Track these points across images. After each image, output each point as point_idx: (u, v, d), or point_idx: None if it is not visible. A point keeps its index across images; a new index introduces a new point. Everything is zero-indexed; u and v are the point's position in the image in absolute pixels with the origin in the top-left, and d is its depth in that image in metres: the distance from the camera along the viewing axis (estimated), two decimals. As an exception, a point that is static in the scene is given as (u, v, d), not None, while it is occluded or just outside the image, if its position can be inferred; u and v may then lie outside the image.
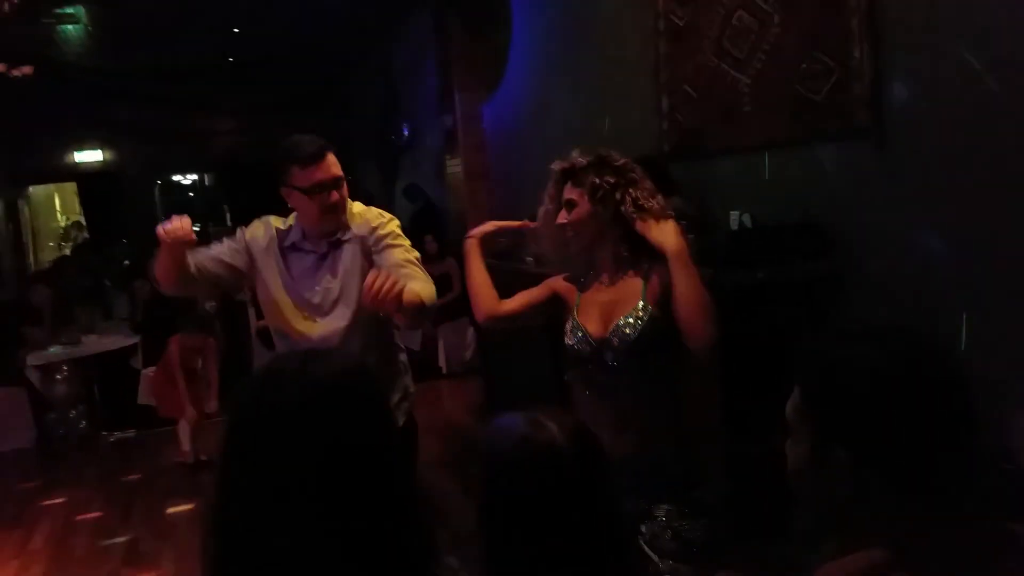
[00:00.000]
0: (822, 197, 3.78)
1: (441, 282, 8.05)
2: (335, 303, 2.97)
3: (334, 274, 2.98)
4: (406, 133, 11.01)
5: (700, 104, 4.59)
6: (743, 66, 4.20)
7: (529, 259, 4.68)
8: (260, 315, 7.94)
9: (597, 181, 2.41)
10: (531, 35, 7.00)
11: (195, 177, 18.25)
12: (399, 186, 11.08)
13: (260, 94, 13.23)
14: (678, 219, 2.39)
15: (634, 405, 2.33)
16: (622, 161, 2.47)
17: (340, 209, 2.92)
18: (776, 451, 1.37)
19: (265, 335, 7.67)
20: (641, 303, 2.34)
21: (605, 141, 5.58)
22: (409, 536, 1.20)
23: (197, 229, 2.83)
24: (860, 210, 3.58)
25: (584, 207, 2.42)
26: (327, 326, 2.95)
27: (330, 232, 2.96)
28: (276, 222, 3.06)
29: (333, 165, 2.88)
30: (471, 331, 7.99)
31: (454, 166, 8.70)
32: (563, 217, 2.46)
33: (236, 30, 10.52)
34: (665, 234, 2.31)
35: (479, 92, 7.90)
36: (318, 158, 2.85)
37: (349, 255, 2.97)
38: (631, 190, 2.39)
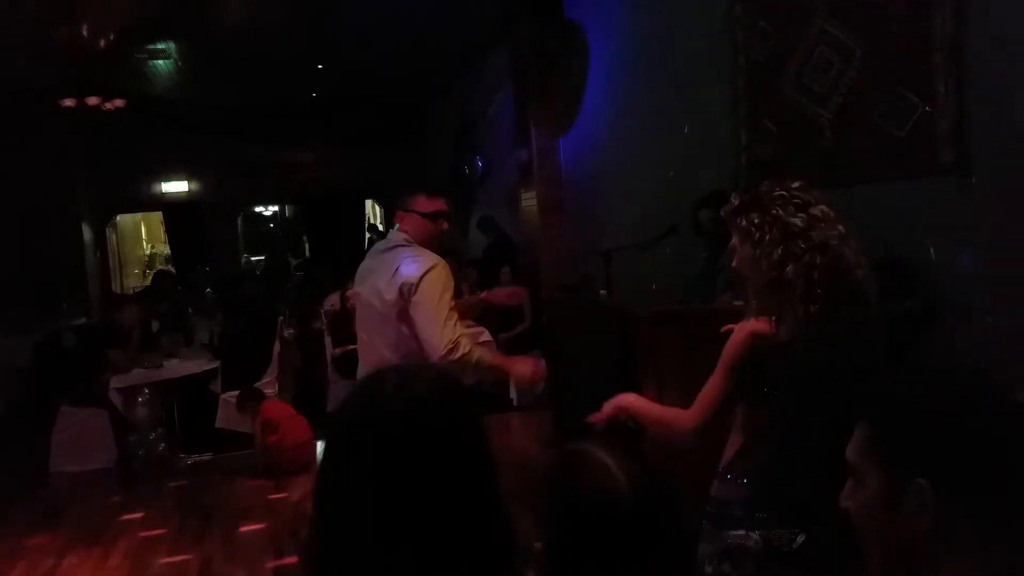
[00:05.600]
0: (905, 234, 3.70)
1: (513, 314, 8.09)
2: None
3: None
4: (480, 166, 11.12)
5: (779, 139, 4.55)
6: (824, 101, 4.16)
7: (602, 292, 4.67)
8: (336, 343, 8.08)
9: (744, 223, 2.26)
10: (607, 69, 7.03)
11: (276, 208, 18.71)
12: (473, 218, 11.18)
13: (340, 128, 13.53)
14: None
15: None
16: (776, 193, 2.24)
17: (444, 237, 3.68)
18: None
19: (341, 363, 7.79)
20: None
21: (681, 176, 5.57)
22: (498, 544, 1.24)
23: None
24: (944, 248, 3.50)
25: (740, 252, 2.29)
26: None
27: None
28: (435, 256, 3.52)
29: (448, 203, 3.69)
30: (542, 363, 7.97)
31: (528, 199, 8.75)
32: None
33: (319, 66, 10.79)
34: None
35: (555, 126, 7.94)
36: (442, 192, 3.70)
37: None
38: (773, 230, 2.19)
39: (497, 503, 1.28)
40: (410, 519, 1.18)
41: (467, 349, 3.33)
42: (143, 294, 11.42)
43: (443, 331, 3.29)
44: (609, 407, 2.62)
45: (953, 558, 1.19)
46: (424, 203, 3.59)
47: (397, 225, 3.72)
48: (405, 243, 3.56)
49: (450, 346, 3.27)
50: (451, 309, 3.36)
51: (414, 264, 3.41)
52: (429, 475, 1.20)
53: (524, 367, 3.66)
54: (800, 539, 2.14)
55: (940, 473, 1.18)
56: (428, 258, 3.45)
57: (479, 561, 1.21)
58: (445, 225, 3.65)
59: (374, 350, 3.56)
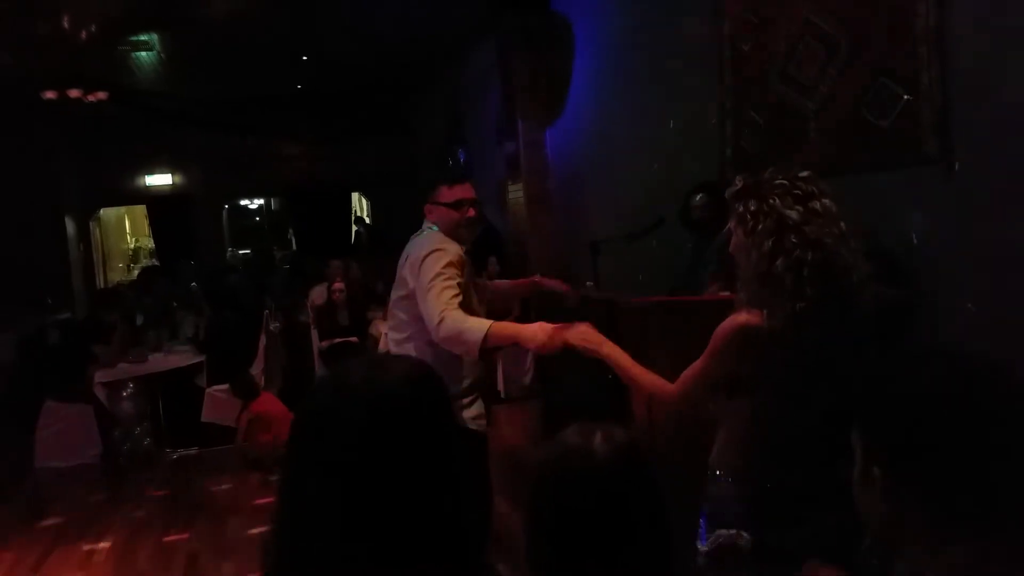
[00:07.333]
0: (889, 225, 3.71)
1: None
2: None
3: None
4: (463, 158, 11.12)
5: (765, 130, 4.56)
6: (809, 92, 4.16)
7: (589, 283, 4.67)
8: (323, 336, 8.06)
9: (740, 209, 2.22)
10: (594, 61, 7.02)
11: (261, 201, 18.64)
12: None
13: (326, 121, 13.47)
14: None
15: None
16: (777, 182, 2.19)
17: (475, 224, 3.61)
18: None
19: (327, 356, 7.77)
20: None
21: (668, 167, 5.57)
22: (467, 534, 1.24)
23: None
24: (928, 238, 3.51)
25: (734, 237, 2.26)
26: None
27: (468, 242, 3.56)
28: (446, 242, 3.44)
29: (472, 189, 3.61)
30: (530, 355, 7.98)
31: (515, 191, 8.73)
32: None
33: (304, 58, 10.74)
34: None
35: (542, 118, 7.93)
36: (463, 180, 3.64)
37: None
38: (768, 220, 2.14)
39: (466, 493, 1.27)
40: (376, 510, 1.17)
41: (455, 319, 3.11)
42: (130, 288, 11.37)
43: (433, 304, 3.15)
44: (590, 344, 2.73)
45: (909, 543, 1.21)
46: (446, 193, 3.58)
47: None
48: (426, 230, 3.55)
49: (439, 319, 3.11)
50: (447, 288, 3.20)
51: (418, 249, 3.39)
52: (395, 465, 1.19)
53: (535, 330, 3.07)
54: (792, 538, 2.11)
55: (897, 462, 1.20)
56: (434, 242, 3.40)
57: (447, 551, 1.20)
58: (472, 212, 3.58)
59: (400, 342, 3.57)
